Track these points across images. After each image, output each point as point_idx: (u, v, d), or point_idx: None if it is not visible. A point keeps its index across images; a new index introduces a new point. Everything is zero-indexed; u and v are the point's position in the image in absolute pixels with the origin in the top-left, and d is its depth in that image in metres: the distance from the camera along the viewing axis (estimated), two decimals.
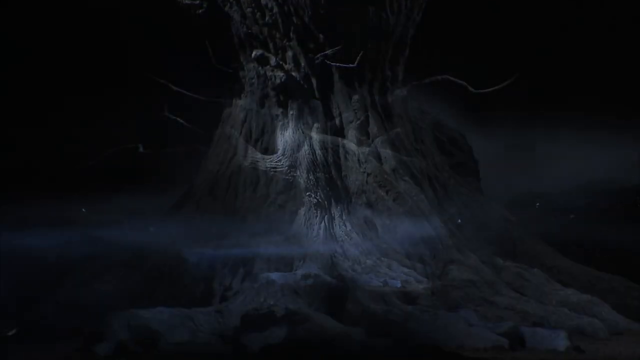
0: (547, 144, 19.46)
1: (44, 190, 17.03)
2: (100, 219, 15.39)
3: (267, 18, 14.30)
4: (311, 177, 14.46)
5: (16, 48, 18.57)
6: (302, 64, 14.49)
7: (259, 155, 14.71)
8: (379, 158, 14.63)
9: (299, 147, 14.60)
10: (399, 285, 13.62)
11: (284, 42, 14.45)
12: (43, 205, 16.35)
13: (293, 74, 14.52)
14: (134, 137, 16.65)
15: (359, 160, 14.58)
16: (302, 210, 14.19)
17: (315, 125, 14.65)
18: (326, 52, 14.33)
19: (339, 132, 14.77)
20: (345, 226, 14.35)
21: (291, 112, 14.63)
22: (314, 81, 14.64)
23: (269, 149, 14.73)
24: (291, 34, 14.35)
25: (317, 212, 14.33)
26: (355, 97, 14.73)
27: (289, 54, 14.47)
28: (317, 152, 14.56)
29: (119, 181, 17.92)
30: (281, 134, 14.69)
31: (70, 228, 14.94)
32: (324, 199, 14.43)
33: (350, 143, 14.66)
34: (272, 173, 14.59)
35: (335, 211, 14.49)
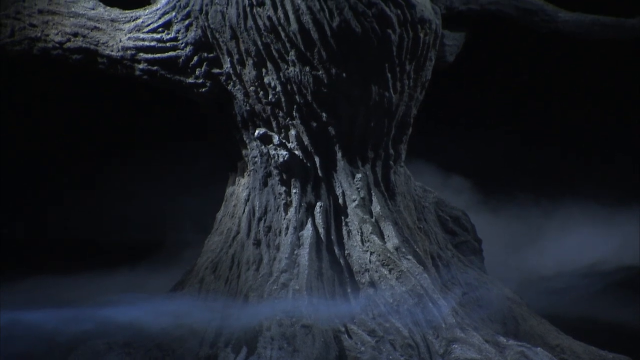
0: (552, 223, 19.54)
1: (42, 265, 17.03)
2: (100, 297, 15.29)
3: (270, 97, 14.28)
4: (314, 255, 14.44)
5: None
6: (305, 143, 14.50)
7: None
8: (382, 236, 14.57)
9: (302, 225, 14.58)
10: None
11: (287, 120, 14.42)
12: (41, 282, 16.29)
13: (296, 152, 14.52)
14: (138, 214, 16.72)
15: (361, 238, 14.52)
16: (305, 289, 14.12)
17: (318, 203, 14.63)
18: None
19: (342, 210, 14.72)
20: (349, 304, 14.29)
21: (294, 191, 14.58)
22: (317, 160, 14.62)
23: (272, 228, 14.71)
24: (294, 113, 14.33)
25: (320, 291, 14.30)
26: (358, 175, 14.68)
27: (292, 132, 14.45)
28: (320, 231, 14.54)
29: (119, 258, 17.92)
30: (284, 212, 14.67)
31: (70, 306, 14.83)
32: (327, 278, 14.41)
33: (353, 222, 14.62)
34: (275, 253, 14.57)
35: (338, 289, 14.44)
